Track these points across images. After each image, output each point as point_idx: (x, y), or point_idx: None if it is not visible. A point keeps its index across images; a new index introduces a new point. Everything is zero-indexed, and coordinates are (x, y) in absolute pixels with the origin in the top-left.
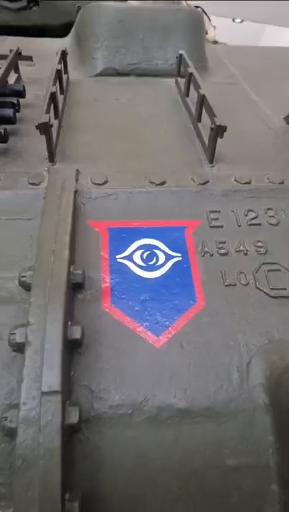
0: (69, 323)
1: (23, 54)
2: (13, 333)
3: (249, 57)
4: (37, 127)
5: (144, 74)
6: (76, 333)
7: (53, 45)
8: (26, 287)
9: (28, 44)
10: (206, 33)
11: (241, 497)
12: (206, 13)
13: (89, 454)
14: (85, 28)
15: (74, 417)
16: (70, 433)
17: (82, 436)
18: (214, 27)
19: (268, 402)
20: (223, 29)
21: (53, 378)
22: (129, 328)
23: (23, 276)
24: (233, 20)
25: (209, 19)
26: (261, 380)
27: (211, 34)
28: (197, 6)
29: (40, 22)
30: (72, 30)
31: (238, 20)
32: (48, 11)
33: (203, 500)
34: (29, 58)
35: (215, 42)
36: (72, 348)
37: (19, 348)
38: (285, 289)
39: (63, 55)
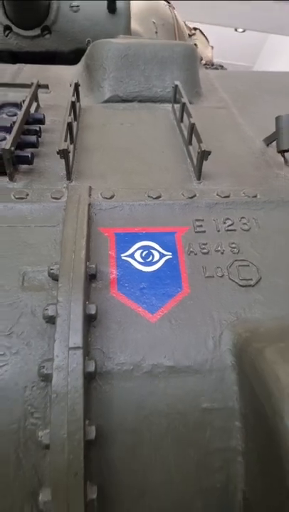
0: (86, 302)
1: (39, 81)
2: (46, 309)
3: (239, 82)
4: (57, 153)
5: (145, 100)
6: (92, 309)
7: (66, 73)
8: (54, 277)
9: (43, 71)
10: (201, 59)
11: (213, 432)
12: (204, 35)
13: (101, 398)
14: (94, 61)
15: (91, 367)
16: (88, 378)
17: (97, 385)
18: (212, 47)
19: (234, 363)
20: (224, 40)
21: (76, 338)
22: (130, 308)
23: (51, 269)
24: (236, 30)
25: (208, 40)
26: (230, 346)
27: (208, 54)
28: (196, 28)
29: (51, 48)
30: (83, 60)
31: (240, 30)
32: (59, 38)
33: (185, 434)
34: (46, 86)
35: (211, 61)
36: (88, 320)
37: (50, 319)
38: (251, 279)
39: (76, 87)
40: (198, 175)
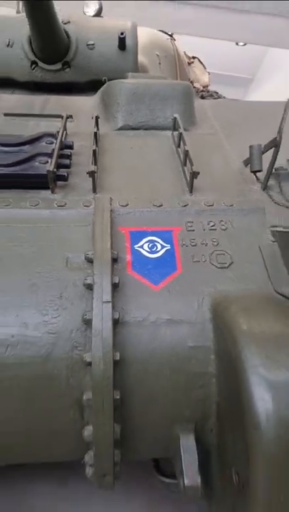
0: (112, 275)
1: (61, 109)
2: (86, 280)
3: (228, 111)
4: (87, 173)
5: (150, 128)
6: (116, 280)
7: (84, 104)
8: (89, 260)
9: (66, 101)
10: (192, 81)
11: (196, 362)
12: (202, 64)
13: (122, 338)
14: (109, 97)
15: (116, 315)
16: (114, 323)
17: (119, 329)
18: (208, 73)
19: (211, 317)
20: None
21: (107, 296)
22: (141, 282)
23: (87, 255)
24: (237, 44)
25: (205, 67)
26: (208, 307)
27: (205, 79)
28: (194, 57)
29: (70, 80)
30: (99, 94)
31: (241, 43)
32: (76, 71)
33: (178, 363)
34: (70, 117)
35: (207, 85)
36: (114, 287)
37: (89, 286)
38: (225, 263)
39: (97, 120)
40: (190, 189)
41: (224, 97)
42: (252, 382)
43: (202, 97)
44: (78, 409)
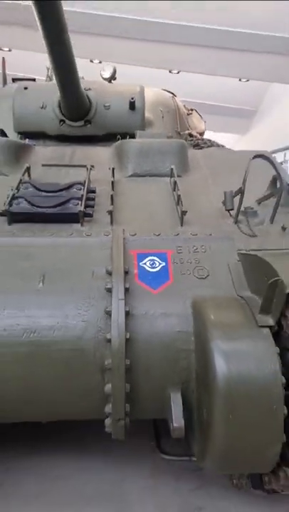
0: (124, 282)
1: (84, 159)
2: (107, 285)
3: (216, 160)
4: (107, 211)
5: (153, 175)
6: (127, 285)
7: (102, 154)
8: (109, 273)
9: (88, 152)
10: (192, 135)
11: (181, 342)
12: (199, 114)
13: (130, 325)
14: (122, 151)
15: (127, 309)
16: (126, 315)
17: (129, 319)
18: (205, 122)
19: (192, 312)
20: (229, 87)
21: (121, 295)
22: (144, 288)
23: (107, 269)
24: (240, 80)
25: (201, 117)
26: (191, 304)
27: (202, 127)
28: (192, 109)
29: (91, 133)
30: (113, 148)
31: (244, 79)
32: (96, 127)
33: (169, 343)
34: (93, 167)
35: (203, 132)
36: (125, 291)
37: (109, 290)
38: (203, 276)
39: (113, 171)
40: (181, 223)
41: (217, 144)
42: (214, 351)
43: (197, 144)
44: (101, 372)
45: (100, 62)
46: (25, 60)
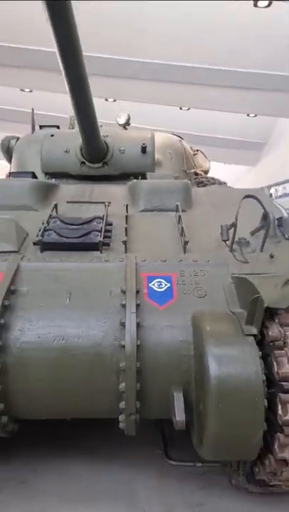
0: (136, 299)
1: (102, 196)
2: (122, 302)
3: (217, 197)
4: (122, 242)
5: (162, 210)
6: (138, 302)
7: (118, 191)
8: (123, 292)
9: (105, 190)
10: (196, 173)
11: (184, 350)
12: (204, 155)
13: (141, 335)
14: (134, 190)
15: (138, 321)
16: (137, 326)
17: (139, 329)
18: (209, 161)
19: (192, 324)
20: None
21: (133, 309)
22: (152, 304)
23: (122, 289)
24: (248, 115)
25: (206, 157)
26: (191, 318)
27: (206, 165)
28: (198, 150)
29: (108, 173)
30: (128, 187)
31: (252, 115)
32: (112, 168)
33: (173, 350)
34: (109, 203)
35: (207, 171)
36: (137, 306)
37: (123, 306)
38: (202, 295)
39: (127, 207)
40: (184, 251)
41: (219, 182)
42: (208, 355)
43: (201, 182)
44: (116, 373)
45: (115, 101)
46: (45, 99)
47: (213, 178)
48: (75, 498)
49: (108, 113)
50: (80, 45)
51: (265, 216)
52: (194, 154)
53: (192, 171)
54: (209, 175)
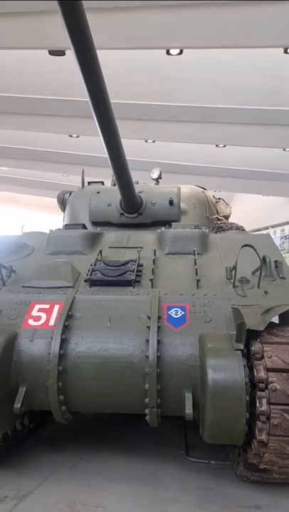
0: (157, 323)
1: (136, 242)
2: (148, 324)
3: (229, 242)
4: (149, 279)
5: (182, 254)
6: (159, 325)
7: (149, 237)
8: (148, 317)
9: (138, 235)
10: (214, 212)
11: (191, 361)
12: (224, 201)
13: (160, 349)
14: (162, 237)
15: (158, 338)
16: (158, 342)
17: (159, 345)
18: (230, 207)
19: (198, 342)
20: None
21: (155, 331)
22: (170, 327)
23: (148, 316)
24: (284, 150)
25: (227, 204)
26: (198, 337)
27: (227, 211)
28: (220, 198)
29: (141, 222)
30: (157, 234)
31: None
32: (145, 218)
33: (180, 362)
34: (141, 248)
35: (228, 216)
36: (158, 328)
37: (148, 328)
38: (208, 321)
39: (155, 251)
40: (197, 287)
41: (236, 227)
42: (207, 364)
43: (221, 227)
44: (142, 377)
45: (154, 142)
46: (89, 141)
47: (231, 223)
48: (112, 478)
49: (148, 153)
50: (112, 112)
51: (264, 259)
52: (216, 202)
53: (214, 216)
54: (249, 206)
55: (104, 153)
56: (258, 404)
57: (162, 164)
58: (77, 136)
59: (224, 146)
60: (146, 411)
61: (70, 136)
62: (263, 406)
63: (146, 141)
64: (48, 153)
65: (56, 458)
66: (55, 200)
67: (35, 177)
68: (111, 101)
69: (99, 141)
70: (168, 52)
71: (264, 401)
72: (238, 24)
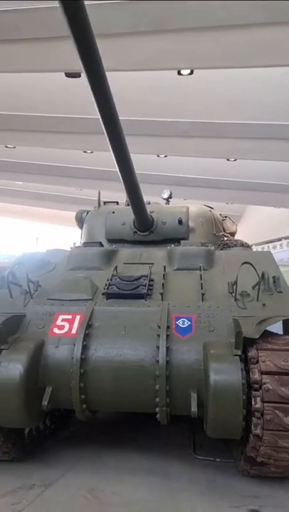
0: (166, 332)
1: (148, 258)
2: (157, 333)
3: (234, 258)
4: (159, 293)
5: (189, 269)
6: (168, 333)
7: (160, 254)
8: (158, 327)
9: (150, 252)
10: (222, 229)
11: (196, 365)
12: (231, 220)
13: (169, 354)
14: (171, 254)
15: (167, 345)
16: (167, 349)
17: (168, 351)
18: (236, 225)
19: (203, 348)
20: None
21: (164, 338)
22: (177, 336)
23: (158, 325)
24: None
25: (233, 222)
26: (202, 345)
27: (233, 228)
28: (226, 216)
29: (153, 239)
30: (166, 251)
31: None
32: (156, 235)
33: (189, 367)
34: (153, 264)
35: (234, 233)
36: (167, 336)
37: (158, 336)
38: (212, 330)
39: (164, 267)
40: (202, 299)
41: (241, 244)
42: (209, 368)
43: (226, 243)
44: (153, 378)
45: (166, 156)
46: (104, 157)
47: (236, 240)
48: (126, 471)
49: (159, 167)
50: (125, 141)
51: (262, 275)
52: (223, 220)
53: (221, 233)
54: (261, 217)
55: (115, 167)
56: (253, 402)
57: (173, 177)
58: (91, 152)
59: (235, 160)
60: (157, 409)
61: (85, 152)
62: (257, 404)
63: (158, 155)
64: (63, 168)
65: (76, 454)
66: (69, 212)
67: (50, 191)
68: (125, 118)
69: (111, 156)
70: (179, 73)
71: (258, 399)
72: (243, 46)
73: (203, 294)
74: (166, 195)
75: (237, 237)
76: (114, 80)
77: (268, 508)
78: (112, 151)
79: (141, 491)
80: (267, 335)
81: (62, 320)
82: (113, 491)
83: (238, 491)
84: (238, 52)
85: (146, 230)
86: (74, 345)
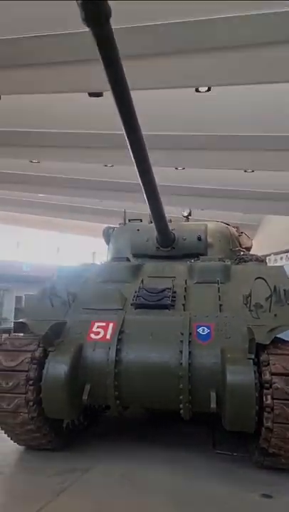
0: (189, 338)
1: (170, 272)
2: (180, 339)
3: (249, 272)
4: (182, 304)
5: (208, 283)
6: (190, 339)
7: (182, 268)
8: (181, 334)
9: (172, 266)
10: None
11: (213, 368)
12: (247, 235)
13: (191, 358)
14: (192, 268)
15: (190, 350)
16: (189, 353)
17: (190, 355)
18: (251, 240)
19: (220, 353)
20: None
21: (187, 344)
22: (199, 342)
23: (181, 332)
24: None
25: (249, 237)
26: (220, 349)
27: (249, 243)
28: (242, 232)
29: (174, 254)
30: (187, 265)
31: None
32: (177, 251)
33: (208, 369)
34: (174, 277)
35: (249, 247)
36: (189, 342)
37: (181, 342)
38: (229, 337)
39: (186, 281)
40: (219, 310)
41: (256, 258)
42: (227, 372)
43: (242, 258)
44: (178, 379)
45: (184, 169)
46: (123, 171)
47: (251, 255)
48: (152, 461)
49: (178, 179)
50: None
51: (274, 288)
52: (239, 235)
53: (237, 248)
54: (279, 226)
55: (134, 179)
56: (264, 399)
57: (192, 188)
58: (112, 166)
59: (252, 171)
60: (181, 406)
61: (105, 165)
62: (268, 400)
63: (176, 168)
64: (85, 182)
65: (109, 446)
66: (90, 223)
67: (71, 202)
68: (146, 133)
69: (130, 169)
70: (197, 90)
71: (269, 397)
72: (259, 63)
73: (220, 305)
74: (186, 213)
75: (254, 246)
76: (136, 97)
77: (279, 494)
78: (134, 163)
79: (165, 475)
80: (277, 341)
81: (98, 327)
82: (141, 476)
83: (253, 480)
84: (254, 69)
85: (168, 246)
86: (109, 348)
